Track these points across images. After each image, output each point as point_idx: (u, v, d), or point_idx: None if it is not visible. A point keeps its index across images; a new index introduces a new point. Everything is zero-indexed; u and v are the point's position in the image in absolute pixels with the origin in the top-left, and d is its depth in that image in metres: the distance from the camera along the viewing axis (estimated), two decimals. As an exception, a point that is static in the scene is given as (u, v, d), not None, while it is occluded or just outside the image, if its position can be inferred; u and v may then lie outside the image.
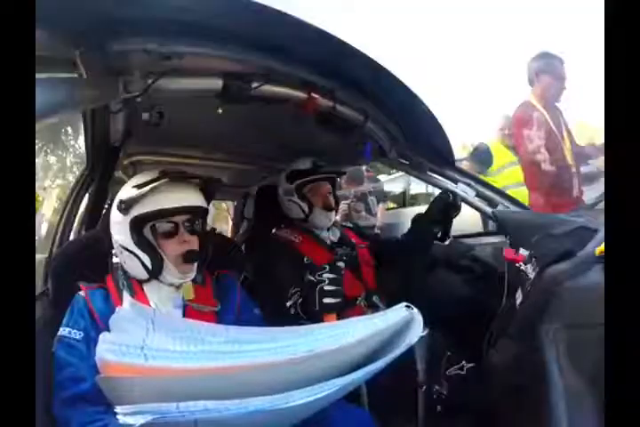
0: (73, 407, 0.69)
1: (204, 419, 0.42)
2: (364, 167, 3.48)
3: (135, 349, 0.47)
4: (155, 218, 0.83)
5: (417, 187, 4.43)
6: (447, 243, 1.35)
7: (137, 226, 0.83)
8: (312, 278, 1.09)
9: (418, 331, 0.57)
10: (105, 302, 0.82)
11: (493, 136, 2.76)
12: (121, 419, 0.41)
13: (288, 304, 1.16)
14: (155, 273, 0.83)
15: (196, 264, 0.87)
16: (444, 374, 1.05)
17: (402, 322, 0.56)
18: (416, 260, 1.42)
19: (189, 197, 0.85)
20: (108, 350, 0.48)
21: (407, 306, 0.58)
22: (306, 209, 1.33)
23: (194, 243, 0.86)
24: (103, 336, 0.49)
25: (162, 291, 0.86)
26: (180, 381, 0.45)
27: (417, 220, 1.37)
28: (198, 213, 0.88)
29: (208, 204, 0.91)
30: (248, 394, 0.44)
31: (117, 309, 0.55)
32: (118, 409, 0.42)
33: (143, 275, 0.84)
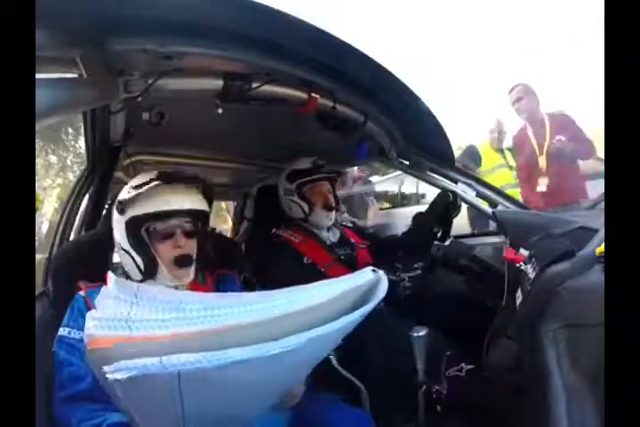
0: (73, 405, 0.70)
1: (186, 371, 0.45)
2: (355, 168, 3.50)
3: (120, 321, 0.49)
4: (149, 220, 0.83)
5: (409, 187, 4.47)
6: (447, 243, 1.35)
7: (132, 227, 0.83)
8: None
9: (383, 290, 0.58)
10: None
11: (483, 138, 2.83)
12: (109, 377, 0.43)
13: None
14: (148, 275, 0.84)
15: (191, 269, 0.86)
16: (443, 374, 1.05)
17: (369, 283, 0.59)
18: (416, 259, 1.42)
19: (186, 200, 0.84)
20: (94, 326, 0.49)
21: (373, 270, 0.59)
22: (306, 209, 1.33)
23: (189, 247, 0.85)
24: (89, 315, 0.50)
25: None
26: (161, 346, 0.48)
27: (417, 219, 1.37)
28: (196, 217, 0.87)
29: (209, 206, 0.90)
30: None
31: (102, 288, 0.57)
32: (105, 368, 0.44)
33: (137, 275, 0.84)
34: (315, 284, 0.58)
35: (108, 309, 0.51)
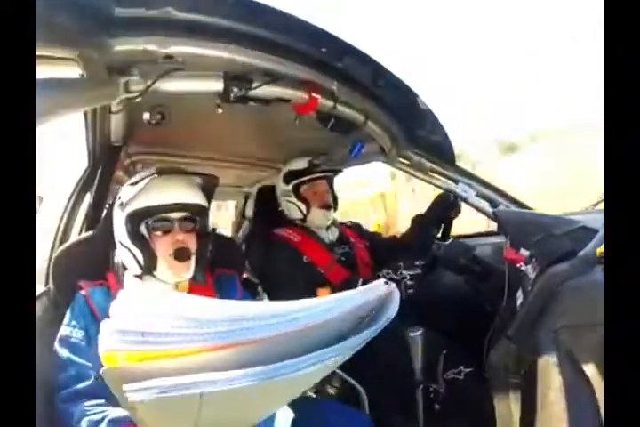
0: (75, 403, 0.70)
1: (209, 391, 0.43)
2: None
3: (136, 335, 0.46)
4: (148, 214, 0.84)
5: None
6: (448, 242, 1.35)
7: (132, 222, 0.84)
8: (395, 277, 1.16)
9: (396, 305, 0.58)
10: (106, 299, 0.83)
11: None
12: (130, 397, 0.42)
13: None
14: (147, 269, 0.84)
15: (190, 263, 0.86)
16: (441, 373, 1.05)
17: (382, 296, 0.58)
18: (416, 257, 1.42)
19: (183, 195, 0.85)
20: (108, 340, 0.47)
21: (385, 282, 0.59)
22: (303, 209, 1.33)
23: (188, 241, 0.85)
24: (104, 324, 0.49)
25: (159, 288, 0.86)
26: (183, 363, 0.46)
27: (417, 220, 1.37)
28: (195, 211, 0.87)
29: (208, 202, 0.90)
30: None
31: (120, 292, 0.55)
32: (125, 387, 0.42)
33: (137, 270, 0.85)
34: (336, 295, 0.55)
35: (126, 319, 0.49)
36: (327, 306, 0.52)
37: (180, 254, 0.83)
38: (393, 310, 0.57)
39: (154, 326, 0.48)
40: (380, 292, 0.57)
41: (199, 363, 0.45)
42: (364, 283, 1.20)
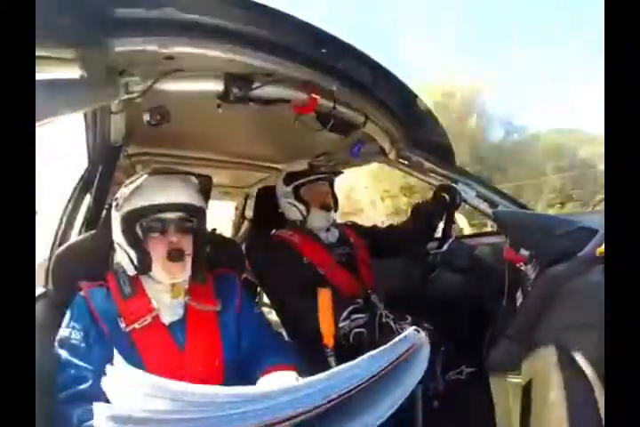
0: (74, 405, 0.69)
1: None
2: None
3: (138, 423, 0.44)
4: (142, 215, 0.83)
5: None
6: (445, 248, 1.35)
7: (127, 222, 0.83)
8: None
9: (425, 356, 0.56)
10: (106, 299, 0.83)
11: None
12: None
13: (341, 325, 1.09)
14: (142, 269, 0.84)
15: (185, 264, 0.85)
16: (440, 371, 1.05)
17: (409, 349, 0.55)
18: (415, 260, 1.42)
19: (178, 195, 0.84)
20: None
21: (416, 330, 0.56)
22: (303, 211, 1.33)
23: (182, 242, 0.84)
24: (98, 409, 0.46)
25: (158, 289, 0.86)
26: None
27: (417, 207, 1.38)
28: (190, 212, 0.87)
29: (205, 202, 0.90)
30: None
31: (107, 368, 0.52)
32: None
33: (131, 270, 0.85)
34: (364, 359, 0.52)
35: (120, 401, 0.47)
36: (358, 371, 0.50)
37: (173, 255, 0.83)
38: (420, 370, 0.54)
39: (158, 412, 0.45)
40: (408, 344, 0.54)
41: None
42: (354, 312, 1.12)
